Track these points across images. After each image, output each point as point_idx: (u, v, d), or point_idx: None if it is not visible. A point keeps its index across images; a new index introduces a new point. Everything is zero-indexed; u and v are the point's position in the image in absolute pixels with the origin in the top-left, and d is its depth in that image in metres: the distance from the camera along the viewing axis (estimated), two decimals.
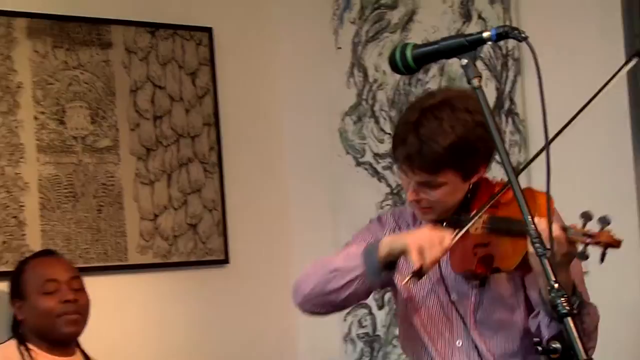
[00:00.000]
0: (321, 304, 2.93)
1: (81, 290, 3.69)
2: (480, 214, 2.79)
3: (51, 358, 3.65)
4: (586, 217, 2.61)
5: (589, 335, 2.85)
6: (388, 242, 2.77)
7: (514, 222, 2.68)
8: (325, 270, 2.87)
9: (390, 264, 2.78)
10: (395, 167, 2.97)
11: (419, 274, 2.68)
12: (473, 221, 2.79)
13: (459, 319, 2.90)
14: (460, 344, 2.90)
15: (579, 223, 2.63)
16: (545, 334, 2.80)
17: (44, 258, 3.76)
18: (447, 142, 2.73)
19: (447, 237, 2.69)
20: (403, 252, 2.72)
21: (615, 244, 2.66)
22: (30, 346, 3.64)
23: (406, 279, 2.71)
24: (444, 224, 2.88)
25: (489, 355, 2.89)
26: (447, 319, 2.92)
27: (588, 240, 2.61)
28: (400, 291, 2.98)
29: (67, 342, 3.69)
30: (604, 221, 2.56)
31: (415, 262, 2.64)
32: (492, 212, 2.79)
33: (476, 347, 2.89)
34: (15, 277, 3.73)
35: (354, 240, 3.02)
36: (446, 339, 2.92)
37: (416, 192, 2.86)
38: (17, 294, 3.70)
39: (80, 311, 3.66)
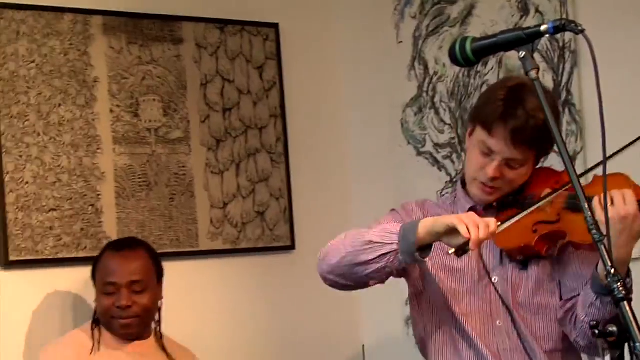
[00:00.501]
0: (346, 275, 2.86)
1: (142, 292, 3.66)
2: (552, 196, 2.76)
3: (121, 342, 3.68)
4: None
5: None
6: (430, 222, 2.68)
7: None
8: (359, 242, 2.80)
9: (426, 246, 2.70)
10: (468, 148, 2.85)
11: (463, 249, 2.62)
12: (545, 201, 2.78)
13: (498, 299, 2.88)
14: (500, 324, 2.88)
15: None
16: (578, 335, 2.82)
17: (114, 254, 3.70)
18: (543, 119, 2.70)
19: (493, 222, 2.62)
20: (447, 230, 2.62)
21: None
22: (104, 330, 3.67)
23: (451, 250, 2.65)
24: (500, 204, 2.88)
25: (530, 337, 2.87)
26: (487, 299, 2.89)
27: None
28: (429, 273, 2.93)
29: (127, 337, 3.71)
30: None
31: (463, 234, 2.57)
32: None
33: (516, 328, 2.88)
34: (94, 264, 3.74)
35: (379, 224, 2.94)
36: (485, 319, 2.89)
37: (499, 170, 2.82)
38: (94, 281, 3.73)
39: (136, 315, 3.65)
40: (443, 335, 2.94)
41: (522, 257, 2.88)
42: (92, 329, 3.66)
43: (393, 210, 3.07)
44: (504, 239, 2.83)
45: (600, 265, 2.69)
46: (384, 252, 2.73)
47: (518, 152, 2.80)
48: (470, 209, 2.91)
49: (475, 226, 2.57)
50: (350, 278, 2.86)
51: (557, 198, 2.79)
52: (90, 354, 3.61)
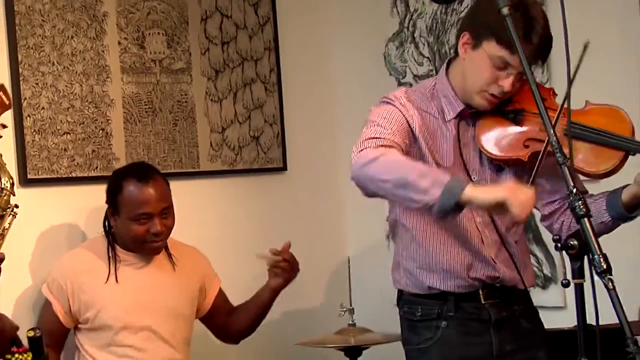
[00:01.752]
0: (377, 192, 2.70)
1: (168, 215, 3.66)
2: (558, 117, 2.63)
3: (136, 260, 3.69)
4: None
5: None
6: (479, 192, 2.53)
7: (600, 132, 2.70)
8: (406, 176, 2.60)
9: (463, 207, 2.58)
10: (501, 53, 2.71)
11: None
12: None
13: None
14: (480, 220, 2.88)
15: None
16: (564, 234, 2.80)
17: (141, 186, 3.62)
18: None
19: (533, 194, 2.52)
20: (499, 205, 2.49)
21: None
22: (117, 247, 3.68)
23: None
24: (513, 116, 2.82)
25: (502, 227, 2.88)
26: None
27: None
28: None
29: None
30: None
31: (519, 216, 2.49)
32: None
33: (493, 220, 2.88)
34: (113, 192, 3.67)
35: (379, 124, 2.81)
36: (467, 217, 2.87)
37: (514, 84, 2.75)
38: (113, 206, 3.66)
39: (164, 237, 3.66)
40: (429, 217, 2.85)
41: (504, 165, 2.85)
42: (107, 244, 3.66)
43: (388, 103, 2.89)
44: (495, 148, 2.79)
45: (626, 192, 2.74)
46: (423, 199, 2.57)
47: (536, 65, 2.78)
48: (460, 113, 2.87)
49: (523, 205, 2.47)
50: (378, 194, 2.71)
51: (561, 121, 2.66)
52: (107, 281, 3.62)
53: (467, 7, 4.20)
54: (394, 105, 2.86)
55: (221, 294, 3.89)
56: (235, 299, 3.96)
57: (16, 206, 2.92)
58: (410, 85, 4.43)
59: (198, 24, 4.29)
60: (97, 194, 3.81)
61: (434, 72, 4.35)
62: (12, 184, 2.90)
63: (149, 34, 4.15)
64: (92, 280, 3.61)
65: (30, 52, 3.84)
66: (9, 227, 2.90)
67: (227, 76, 4.36)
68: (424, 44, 4.41)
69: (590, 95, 2.86)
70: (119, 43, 4.06)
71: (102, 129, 4.00)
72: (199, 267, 3.83)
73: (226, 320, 3.88)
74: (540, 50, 2.72)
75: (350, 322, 3.94)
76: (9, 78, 3.76)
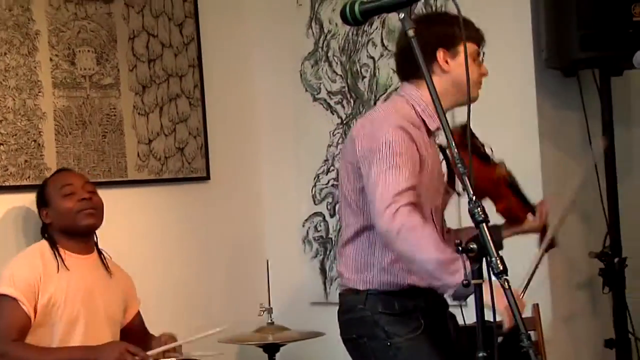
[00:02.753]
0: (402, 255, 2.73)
1: (94, 192, 3.69)
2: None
3: (74, 255, 3.63)
4: None
5: None
6: (486, 301, 2.35)
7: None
8: (433, 263, 2.62)
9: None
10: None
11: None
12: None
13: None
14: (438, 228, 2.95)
15: None
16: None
17: (61, 172, 3.78)
18: None
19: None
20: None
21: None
22: (59, 247, 3.63)
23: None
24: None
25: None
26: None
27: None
28: None
29: (87, 234, 3.67)
30: None
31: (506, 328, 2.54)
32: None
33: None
34: (40, 190, 3.72)
35: (400, 166, 2.72)
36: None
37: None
38: (42, 202, 3.68)
39: (95, 207, 3.65)
40: None
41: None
42: (52, 247, 3.61)
43: (402, 129, 2.78)
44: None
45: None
46: (443, 282, 2.63)
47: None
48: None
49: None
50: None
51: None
52: (58, 272, 3.56)
53: (376, 28, 4.23)
54: (407, 131, 2.80)
55: (139, 316, 3.82)
56: (162, 300, 3.93)
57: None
58: (325, 100, 4.44)
59: (126, 42, 4.25)
60: (29, 202, 3.77)
61: (346, 88, 4.37)
62: None
63: (79, 51, 4.10)
64: (50, 274, 3.55)
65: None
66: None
67: (154, 91, 4.33)
68: (337, 63, 4.42)
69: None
70: (51, 59, 4.01)
71: (34, 141, 3.94)
72: (126, 284, 3.78)
73: (138, 343, 3.78)
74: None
75: (269, 321, 3.94)
76: None
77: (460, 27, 2.55)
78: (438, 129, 2.89)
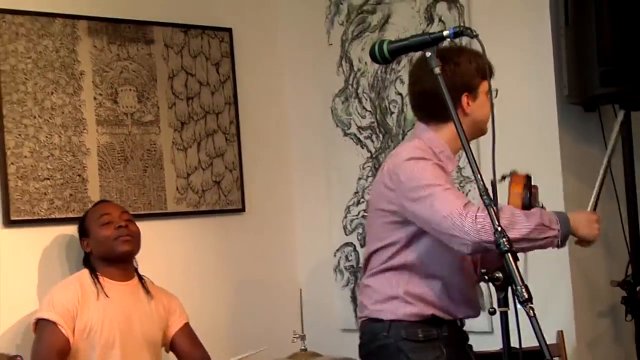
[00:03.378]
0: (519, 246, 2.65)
1: (130, 220, 3.73)
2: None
3: (113, 282, 3.66)
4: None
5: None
6: (576, 223, 2.74)
7: None
8: (538, 224, 2.62)
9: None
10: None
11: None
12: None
13: None
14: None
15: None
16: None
17: (100, 203, 3.84)
18: None
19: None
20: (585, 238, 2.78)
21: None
22: (99, 274, 3.66)
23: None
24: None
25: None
26: None
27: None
28: None
29: (125, 260, 3.70)
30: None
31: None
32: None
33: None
34: (81, 221, 3.77)
35: (441, 185, 2.68)
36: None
37: None
38: (83, 233, 3.74)
39: (131, 234, 3.68)
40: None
41: None
42: (92, 275, 3.64)
43: (427, 160, 2.77)
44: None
45: None
46: (548, 236, 2.64)
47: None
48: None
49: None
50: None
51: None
52: (97, 299, 3.58)
53: (404, 66, 4.24)
54: (426, 158, 2.79)
55: (183, 329, 3.81)
56: (200, 326, 3.93)
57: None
58: (355, 135, 4.44)
59: (166, 81, 4.28)
60: (74, 233, 3.79)
61: (375, 124, 4.37)
62: None
63: (122, 90, 4.13)
64: (87, 300, 3.57)
65: (14, 107, 3.80)
66: None
67: (192, 127, 4.35)
68: (366, 99, 4.42)
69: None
70: (95, 98, 4.04)
71: (79, 175, 3.96)
72: (168, 303, 3.79)
73: (188, 354, 3.80)
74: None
75: (302, 348, 3.91)
76: None
77: (478, 65, 2.58)
78: (452, 170, 2.89)
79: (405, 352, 2.84)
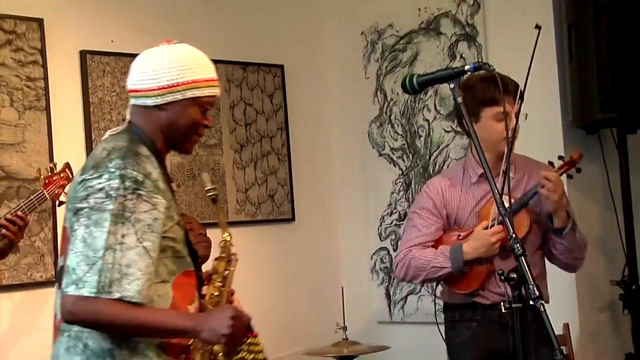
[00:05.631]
0: (418, 281, 3.09)
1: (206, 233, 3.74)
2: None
3: None
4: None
5: (580, 248, 2.94)
6: (475, 250, 2.87)
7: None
8: (426, 267, 2.94)
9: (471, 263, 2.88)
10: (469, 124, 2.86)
11: None
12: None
13: None
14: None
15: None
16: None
17: (182, 215, 3.78)
18: None
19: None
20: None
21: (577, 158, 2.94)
22: None
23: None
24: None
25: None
26: None
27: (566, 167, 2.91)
28: None
29: (202, 262, 3.70)
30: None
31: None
32: None
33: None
34: None
35: (418, 213, 3.00)
36: None
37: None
38: None
39: (209, 242, 3.68)
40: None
41: None
42: None
43: (424, 191, 3.04)
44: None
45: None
46: (443, 273, 2.92)
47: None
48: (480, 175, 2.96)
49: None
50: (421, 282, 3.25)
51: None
52: None
53: (430, 96, 4.23)
54: (428, 195, 3.02)
55: None
56: (257, 320, 3.92)
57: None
58: (388, 155, 4.43)
59: (227, 110, 4.31)
60: None
61: (406, 145, 4.36)
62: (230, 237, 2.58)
63: None
64: None
65: (101, 133, 3.83)
66: (233, 270, 2.52)
67: (249, 149, 4.37)
68: (398, 124, 4.42)
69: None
70: None
71: None
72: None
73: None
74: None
75: (344, 337, 3.90)
76: (85, 152, 3.76)
77: (485, 96, 2.81)
78: (482, 176, 2.93)
79: (445, 329, 3.06)
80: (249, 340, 2.12)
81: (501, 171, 2.81)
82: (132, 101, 2.14)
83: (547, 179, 2.83)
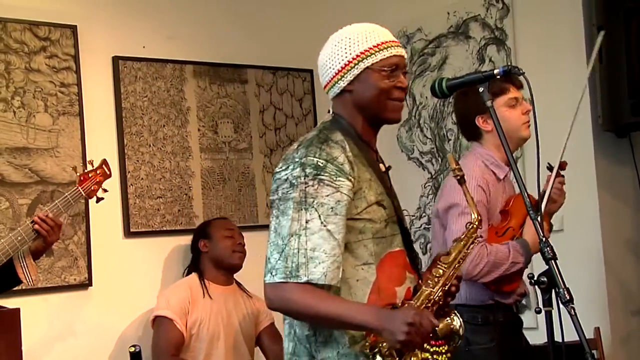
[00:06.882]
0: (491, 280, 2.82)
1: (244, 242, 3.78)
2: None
3: (217, 286, 3.68)
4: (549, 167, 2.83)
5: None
6: (532, 241, 2.76)
7: None
8: (504, 263, 2.76)
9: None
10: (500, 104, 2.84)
11: None
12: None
13: None
14: None
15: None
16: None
17: (225, 219, 3.89)
18: None
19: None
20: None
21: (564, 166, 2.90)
22: (205, 279, 3.67)
23: None
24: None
25: None
26: None
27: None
28: None
29: (234, 271, 3.72)
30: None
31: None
32: None
33: None
34: (203, 226, 3.80)
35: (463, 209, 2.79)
36: None
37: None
38: (204, 235, 3.75)
39: (245, 253, 3.73)
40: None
41: None
42: (200, 279, 3.66)
43: (479, 186, 2.86)
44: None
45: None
46: (516, 269, 2.78)
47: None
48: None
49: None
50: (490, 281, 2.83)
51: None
52: (203, 297, 3.61)
53: None
54: (482, 189, 2.88)
55: (270, 327, 3.79)
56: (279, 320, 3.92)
57: (480, 236, 2.53)
58: (417, 159, 4.42)
59: (257, 114, 4.32)
60: (181, 243, 3.83)
61: (435, 149, 4.34)
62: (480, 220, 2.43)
63: (221, 122, 4.18)
64: (196, 299, 3.59)
65: (133, 137, 3.87)
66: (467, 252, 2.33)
67: (279, 153, 4.37)
68: (427, 128, 4.40)
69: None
70: (199, 129, 4.09)
71: (186, 194, 4.01)
72: (260, 304, 3.76)
73: (267, 348, 3.79)
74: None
75: None
76: (117, 156, 3.80)
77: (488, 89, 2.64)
78: (505, 177, 2.89)
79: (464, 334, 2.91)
80: (432, 349, 1.97)
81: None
82: (329, 95, 2.23)
83: (560, 182, 2.84)
